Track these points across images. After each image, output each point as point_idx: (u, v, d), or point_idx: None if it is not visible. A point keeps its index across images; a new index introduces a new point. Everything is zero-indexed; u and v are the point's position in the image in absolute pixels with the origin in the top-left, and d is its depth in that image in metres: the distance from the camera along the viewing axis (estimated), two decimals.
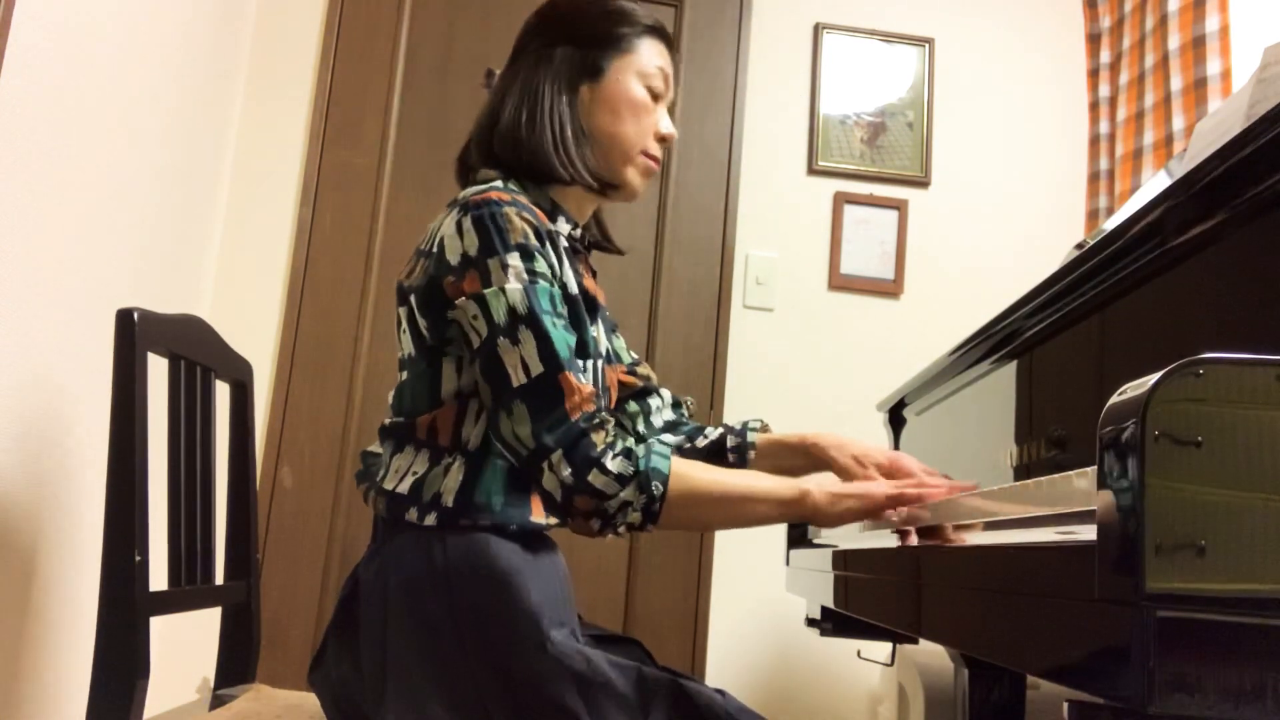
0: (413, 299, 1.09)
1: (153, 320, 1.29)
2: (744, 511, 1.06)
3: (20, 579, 1.50)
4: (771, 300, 2.50)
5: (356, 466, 2.34)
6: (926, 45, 2.63)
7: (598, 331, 1.18)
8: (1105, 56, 2.41)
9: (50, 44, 1.47)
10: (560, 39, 1.19)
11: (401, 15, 2.49)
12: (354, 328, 2.37)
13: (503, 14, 2.51)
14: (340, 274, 2.38)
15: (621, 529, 1.02)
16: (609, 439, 1.01)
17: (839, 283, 2.51)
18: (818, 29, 2.61)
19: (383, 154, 2.43)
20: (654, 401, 1.36)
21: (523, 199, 1.09)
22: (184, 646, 2.00)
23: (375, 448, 1.15)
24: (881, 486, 1.08)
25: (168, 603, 1.30)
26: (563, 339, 1.02)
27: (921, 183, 2.57)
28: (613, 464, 0.99)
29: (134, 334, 1.24)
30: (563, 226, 1.16)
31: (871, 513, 1.07)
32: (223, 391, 1.55)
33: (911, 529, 1.08)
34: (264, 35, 2.44)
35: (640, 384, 1.34)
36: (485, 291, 1.02)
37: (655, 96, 1.21)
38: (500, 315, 1.01)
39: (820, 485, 1.07)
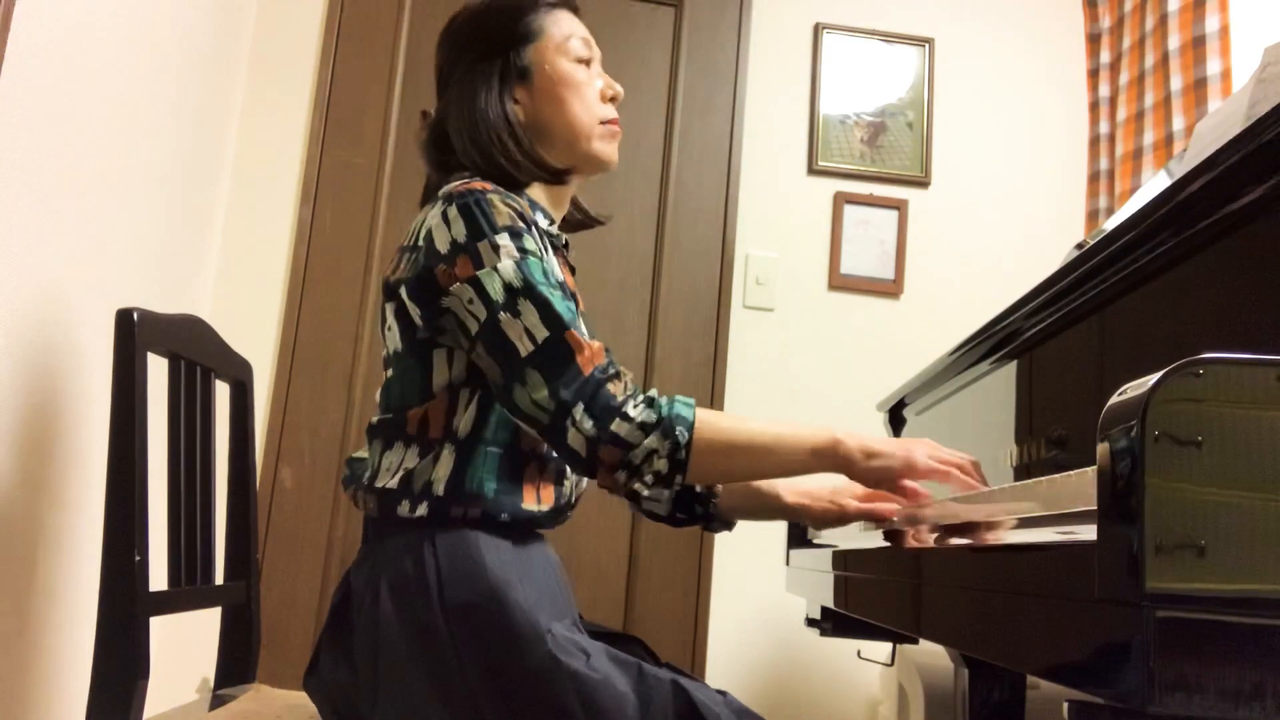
0: (403, 291, 1.08)
1: (153, 320, 1.29)
2: (773, 460, 1.04)
3: (20, 579, 1.50)
4: (771, 300, 2.50)
5: None
6: (926, 45, 2.63)
7: None
8: (1105, 56, 2.41)
9: (50, 44, 1.47)
10: (476, 56, 1.20)
11: (401, 15, 2.49)
12: (354, 328, 2.37)
13: None
14: (340, 274, 2.38)
15: (649, 478, 1.00)
16: (628, 390, 1.00)
17: (839, 283, 2.52)
18: (818, 29, 2.61)
19: (383, 154, 2.43)
20: None
21: (502, 189, 1.11)
22: (184, 646, 2.00)
23: (361, 453, 1.15)
24: (922, 454, 1.04)
25: (168, 603, 1.30)
26: (564, 304, 1.02)
27: (921, 183, 2.57)
28: (635, 412, 0.99)
29: (134, 334, 1.24)
30: (540, 221, 1.17)
31: (906, 475, 1.03)
32: (223, 391, 1.55)
33: (910, 530, 1.07)
34: (264, 35, 2.44)
35: None
36: (479, 273, 1.03)
37: (585, 63, 1.21)
38: (497, 292, 1.02)
39: (855, 435, 1.04)
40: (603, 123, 1.21)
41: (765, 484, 1.33)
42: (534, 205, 1.18)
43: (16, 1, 1.35)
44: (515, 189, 1.17)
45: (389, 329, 1.12)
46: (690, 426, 0.99)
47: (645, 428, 0.98)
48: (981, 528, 0.92)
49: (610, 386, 0.99)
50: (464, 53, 1.21)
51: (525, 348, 1.00)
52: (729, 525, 1.37)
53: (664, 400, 1.01)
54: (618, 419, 0.98)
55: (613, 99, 1.23)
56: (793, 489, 1.32)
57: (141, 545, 1.19)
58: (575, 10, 1.25)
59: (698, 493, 1.34)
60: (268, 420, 2.31)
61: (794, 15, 2.62)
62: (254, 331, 2.32)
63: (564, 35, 1.21)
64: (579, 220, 1.32)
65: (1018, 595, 0.70)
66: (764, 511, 1.35)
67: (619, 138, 1.24)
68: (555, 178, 1.19)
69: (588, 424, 0.98)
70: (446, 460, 1.05)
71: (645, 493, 1.13)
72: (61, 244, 1.56)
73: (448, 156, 1.20)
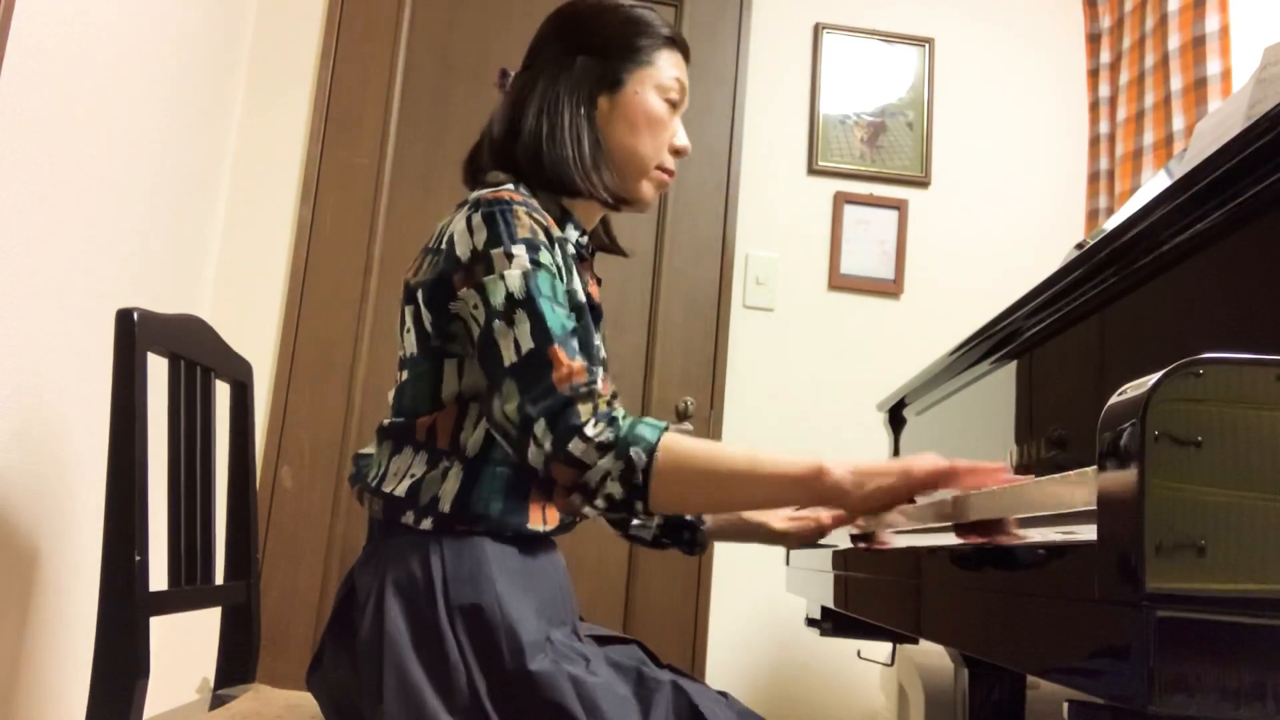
0: (419, 295, 1.08)
1: (153, 320, 1.29)
2: (748, 490, 0.99)
3: (20, 579, 1.50)
4: (771, 300, 2.50)
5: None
6: (926, 45, 2.63)
7: (600, 341, 1.18)
8: (1105, 56, 2.41)
9: (50, 44, 1.46)
10: (579, 47, 1.18)
11: (401, 15, 2.49)
12: (354, 328, 2.37)
13: (503, 14, 2.51)
14: (340, 274, 2.38)
15: (601, 503, 0.96)
16: (597, 410, 0.96)
17: (839, 283, 2.51)
18: (818, 29, 2.61)
19: (383, 154, 2.43)
20: None
21: (533, 202, 1.10)
22: (184, 646, 2.00)
23: (368, 449, 1.15)
24: (922, 462, 0.97)
25: (168, 603, 1.30)
26: (559, 320, 1.01)
27: (921, 183, 2.57)
28: (592, 430, 0.95)
29: (134, 334, 1.24)
30: (570, 234, 1.16)
31: (905, 492, 0.97)
32: (223, 391, 1.55)
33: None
34: (264, 35, 2.44)
35: None
36: (485, 279, 1.02)
37: (672, 107, 1.20)
38: (498, 300, 1.01)
39: (844, 463, 0.97)
40: (659, 168, 1.20)
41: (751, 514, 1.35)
42: (567, 215, 1.17)
43: (16, 1, 1.35)
44: (550, 191, 1.16)
45: (407, 331, 1.11)
46: (650, 450, 0.94)
47: (602, 448, 0.94)
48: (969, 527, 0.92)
49: (579, 405, 0.96)
50: (567, 38, 1.19)
51: (509, 358, 0.99)
52: (703, 547, 1.37)
53: (627, 421, 0.96)
54: (575, 438, 0.94)
55: (677, 152, 1.22)
56: (780, 514, 1.34)
57: (141, 545, 1.19)
58: (687, 57, 1.24)
59: (687, 520, 1.34)
60: (268, 420, 2.31)
61: (794, 15, 2.62)
62: (254, 331, 2.32)
63: (670, 76, 1.19)
64: (604, 245, 1.31)
65: (1018, 595, 0.70)
66: (749, 537, 1.35)
67: (665, 189, 1.23)
68: (610, 202, 1.17)
69: (546, 441, 0.95)
70: (454, 478, 1.05)
71: (596, 517, 1.06)
72: (61, 244, 1.56)
73: (507, 149, 1.17)
